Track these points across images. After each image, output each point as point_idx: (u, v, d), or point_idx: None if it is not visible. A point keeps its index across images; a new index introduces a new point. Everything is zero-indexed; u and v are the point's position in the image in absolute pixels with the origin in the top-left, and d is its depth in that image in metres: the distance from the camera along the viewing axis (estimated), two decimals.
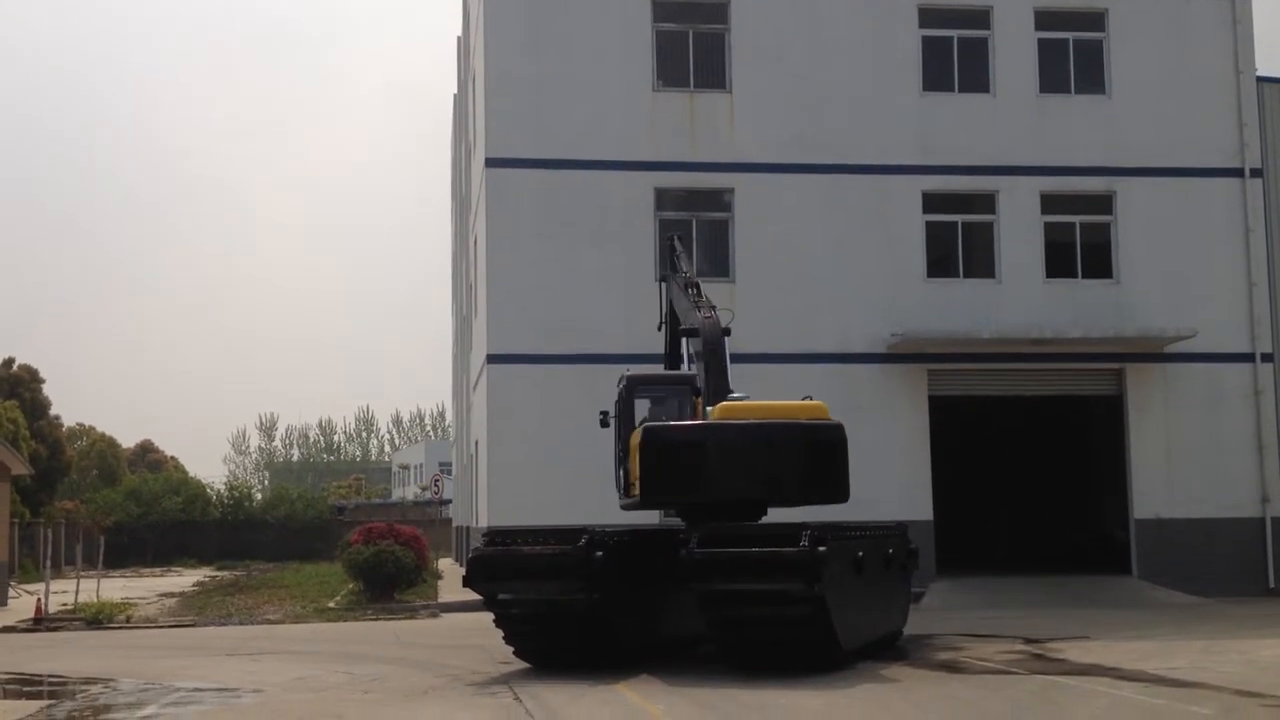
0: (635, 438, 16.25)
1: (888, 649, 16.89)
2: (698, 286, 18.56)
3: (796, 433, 16.03)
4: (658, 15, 26.59)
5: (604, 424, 18.30)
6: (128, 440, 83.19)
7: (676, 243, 20.02)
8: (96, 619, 24.38)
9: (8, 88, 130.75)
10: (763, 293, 25.94)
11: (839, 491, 16.17)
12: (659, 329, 19.87)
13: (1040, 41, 27.27)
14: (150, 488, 59.62)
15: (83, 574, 31.13)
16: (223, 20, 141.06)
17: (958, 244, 26.97)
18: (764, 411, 16.11)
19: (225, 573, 45.05)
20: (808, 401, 16.56)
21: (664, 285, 20.02)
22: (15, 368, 52.66)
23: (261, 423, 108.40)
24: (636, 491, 16.29)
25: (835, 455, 16.09)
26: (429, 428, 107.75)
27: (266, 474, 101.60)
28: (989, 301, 26.45)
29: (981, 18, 27.24)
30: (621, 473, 17.64)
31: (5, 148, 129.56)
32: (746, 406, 16.11)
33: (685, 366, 18.02)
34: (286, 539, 54.99)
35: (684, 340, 18.09)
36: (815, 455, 16.05)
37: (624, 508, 17.85)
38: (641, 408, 17.88)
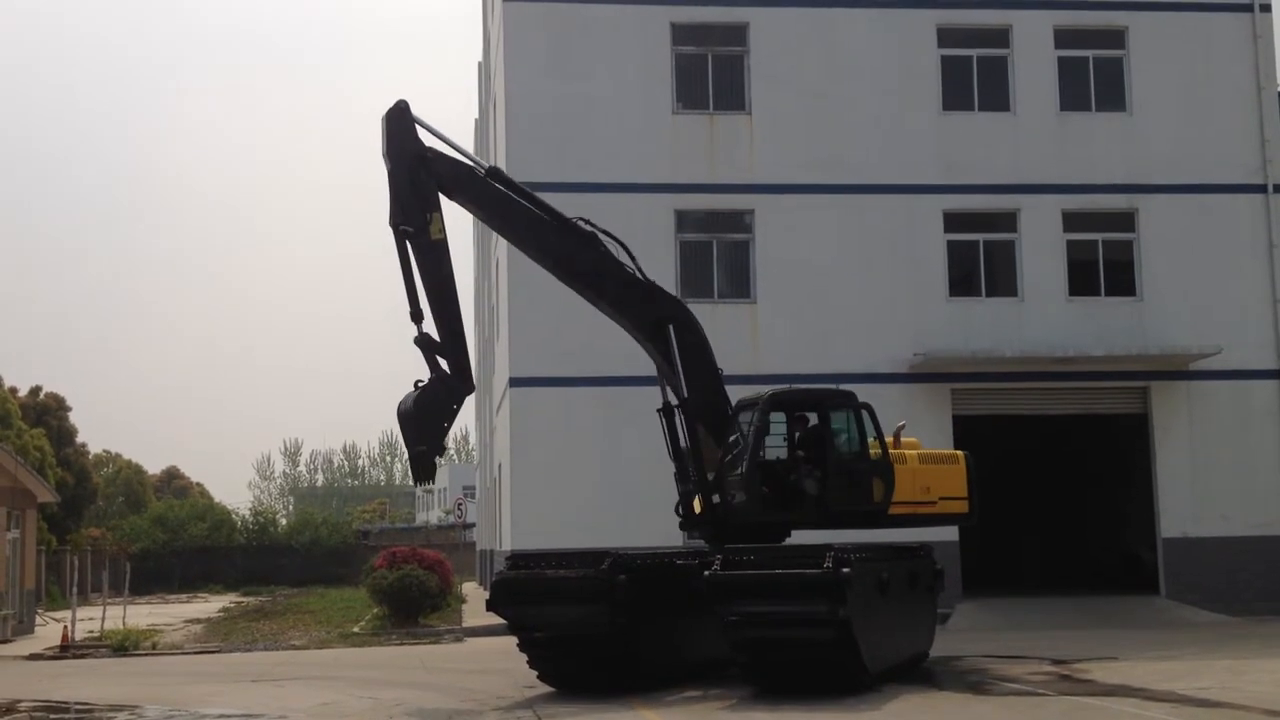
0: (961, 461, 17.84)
1: (913, 671, 16.81)
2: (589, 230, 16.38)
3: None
4: (677, 38, 26.66)
5: (736, 444, 16.61)
6: (154, 467, 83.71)
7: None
8: (123, 646, 24.46)
9: (38, 129, 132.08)
10: (784, 314, 25.92)
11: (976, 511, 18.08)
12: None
13: (1060, 60, 27.21)
14: (176, 514, 59.87)
15: (109, 601, 31.23)
16: (237, 51, 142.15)
17: (980, 263, 26.90)
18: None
19: (250, 598, 45.12)
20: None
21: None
22: (42, 396, 52.92)
23: (286, 448, 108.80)
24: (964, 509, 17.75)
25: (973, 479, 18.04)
26: (452, 451, 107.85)
27: (291, 499, 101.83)
28: (1012, 320, 26.36)
29: (1001, 36, 27.22)
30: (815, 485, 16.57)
31: (29, 179, 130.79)
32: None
33: (679, 368, 16.47)
34: (311, 564, 55.07)
35: (672, 333, 16.53)
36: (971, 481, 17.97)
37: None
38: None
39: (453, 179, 15.83)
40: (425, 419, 15.08)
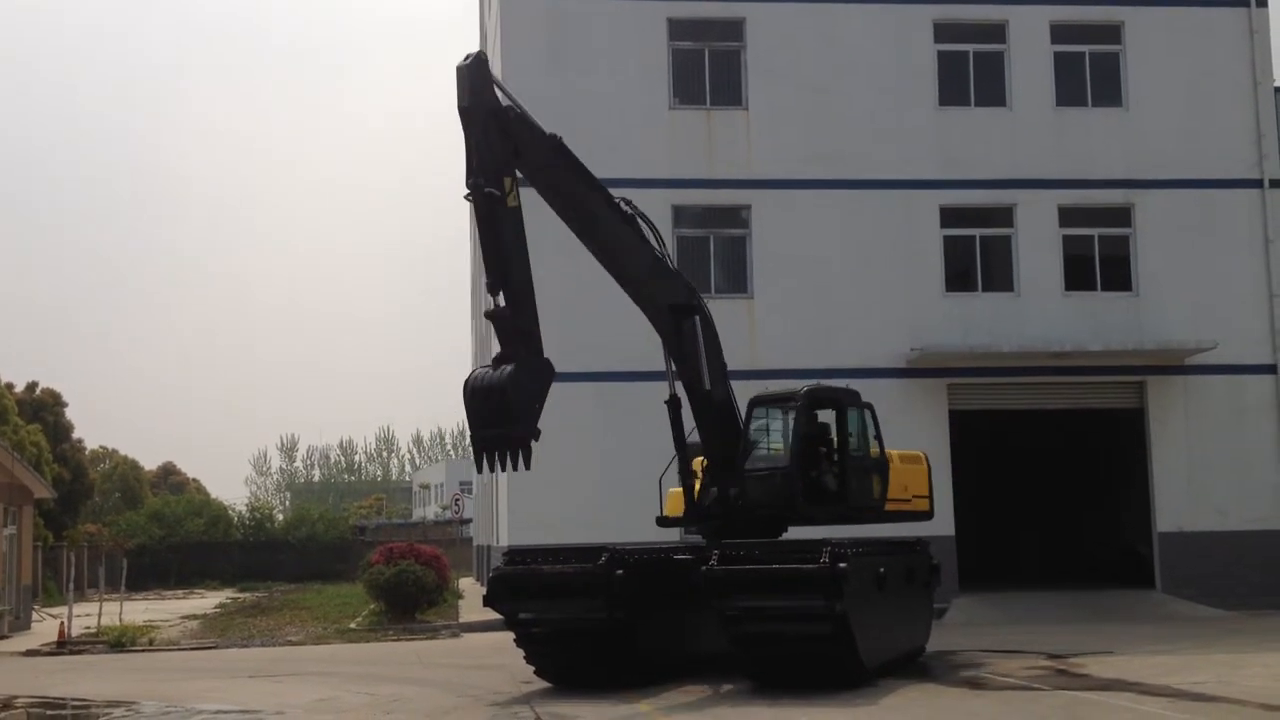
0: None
1: (910, 665, 16.83)
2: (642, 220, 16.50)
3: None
4: (674, 33, 26.65)
5: (750, 437, 17.17)
6: (150, 463, 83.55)
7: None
8: (119, 642, 24.44)
9: (38, 126, 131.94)
10: (781, 309, 25.92)
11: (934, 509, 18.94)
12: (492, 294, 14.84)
13: (1056, 55, 27.22)
14: (172, 510, 59.80)
15: (105, 597, 31.21)
16: (237, 50, 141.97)
17: (976, 258, 26.91)
18: None
19: (247, 594, 45.09)
20: None
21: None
22: (39, 391, 52.85)
23: (282, 444, 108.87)
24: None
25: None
26: (449, 447, 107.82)
27: (288, 495, 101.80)
28: (1008, 315, 26.37)
29: (997, 32, 27.22)
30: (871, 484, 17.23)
31: (27, 175, 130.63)
32: None
33: (703, 359, 16.65)
34: (308, 560, 55.00)
35: (698, 324, 16.70)
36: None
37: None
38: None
39: (524, 138, 15.08)
40: (519, 399, 14.37)
